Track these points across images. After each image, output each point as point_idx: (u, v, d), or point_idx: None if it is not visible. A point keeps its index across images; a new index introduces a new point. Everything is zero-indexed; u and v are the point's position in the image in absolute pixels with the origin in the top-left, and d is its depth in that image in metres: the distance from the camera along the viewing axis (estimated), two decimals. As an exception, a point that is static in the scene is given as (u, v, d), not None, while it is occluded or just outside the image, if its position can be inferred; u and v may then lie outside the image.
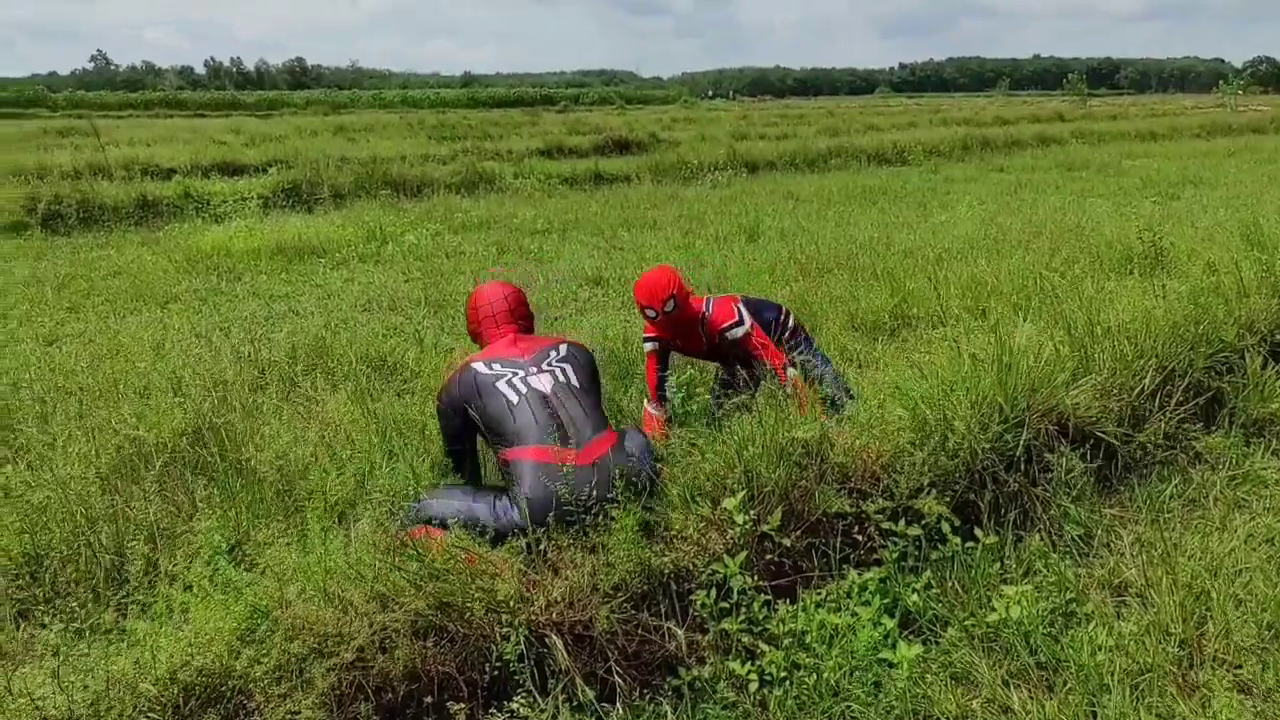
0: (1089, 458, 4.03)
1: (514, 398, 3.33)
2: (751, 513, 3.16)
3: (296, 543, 2.91)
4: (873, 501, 3.38)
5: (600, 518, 3.05)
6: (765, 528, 3.19)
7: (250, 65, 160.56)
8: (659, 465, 3.40)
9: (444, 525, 3.03)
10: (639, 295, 4.47)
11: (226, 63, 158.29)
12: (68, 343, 6.76)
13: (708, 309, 4.62)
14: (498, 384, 3.38)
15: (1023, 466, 3.91)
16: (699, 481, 3.30)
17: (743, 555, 3.07)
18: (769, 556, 3.20)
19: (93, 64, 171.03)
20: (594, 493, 3.09)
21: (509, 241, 11.44)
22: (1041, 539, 3.67)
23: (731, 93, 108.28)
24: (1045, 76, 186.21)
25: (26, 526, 3.13)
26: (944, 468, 3.65)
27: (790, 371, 4.41)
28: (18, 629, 2.95)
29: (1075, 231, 9.20)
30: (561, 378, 3.48)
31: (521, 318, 3.89)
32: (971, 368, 4.12)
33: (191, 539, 3.12)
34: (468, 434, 3.55)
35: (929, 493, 3.51)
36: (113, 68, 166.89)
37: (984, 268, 7.45)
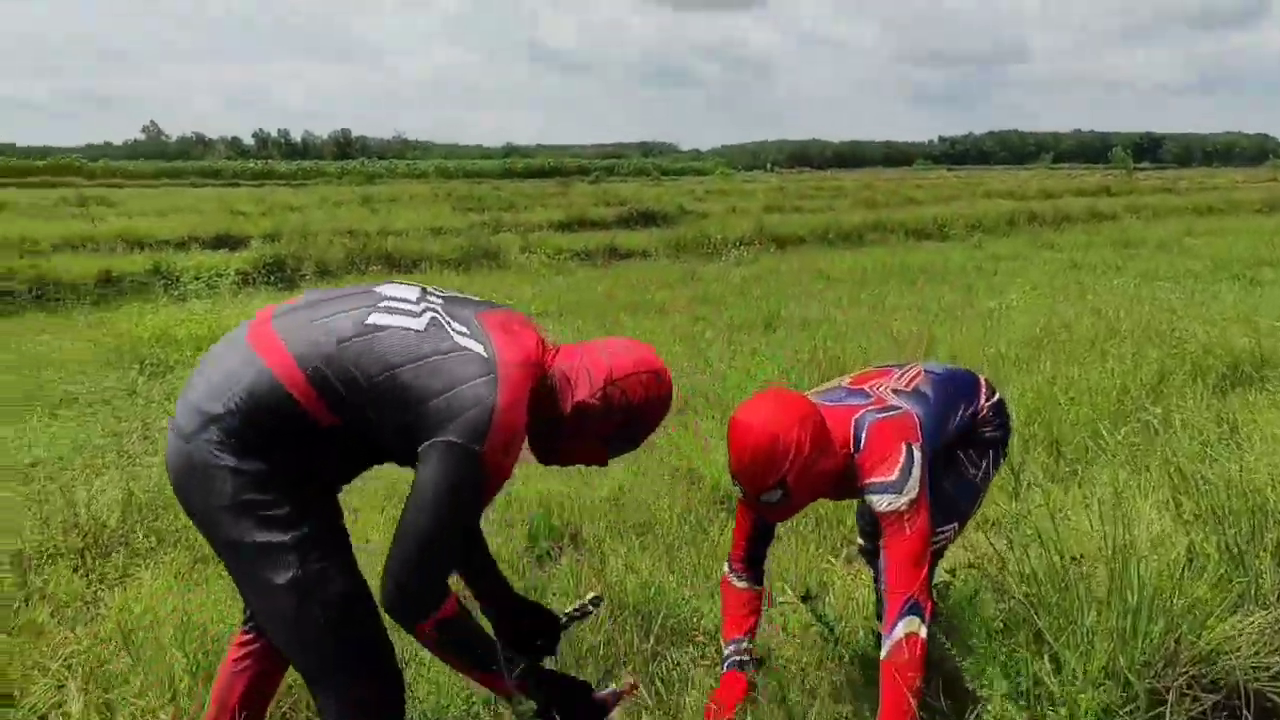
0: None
1: None
2: None
3: None
4: None
5: None
6: None
7: (297, 136, 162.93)
8: None
9: None
10: (733, 459, 2.33)
11: (274, 133, 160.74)
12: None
13: (859, 437, 2.44)
14: None
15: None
16: None
17: None
18: None
19: (145, 134, 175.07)
20: None
21: (495, 328, 10.05)
22: None
23: (770, 164, 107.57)
24: (1087, 150, 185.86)
25: None
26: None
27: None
28: None
29: (1157, 329, 7.59)
30: None
31: None
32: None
33: None
34: None
35: None
36: (164, 138, 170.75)
37: (1053, 383, 5.86)
